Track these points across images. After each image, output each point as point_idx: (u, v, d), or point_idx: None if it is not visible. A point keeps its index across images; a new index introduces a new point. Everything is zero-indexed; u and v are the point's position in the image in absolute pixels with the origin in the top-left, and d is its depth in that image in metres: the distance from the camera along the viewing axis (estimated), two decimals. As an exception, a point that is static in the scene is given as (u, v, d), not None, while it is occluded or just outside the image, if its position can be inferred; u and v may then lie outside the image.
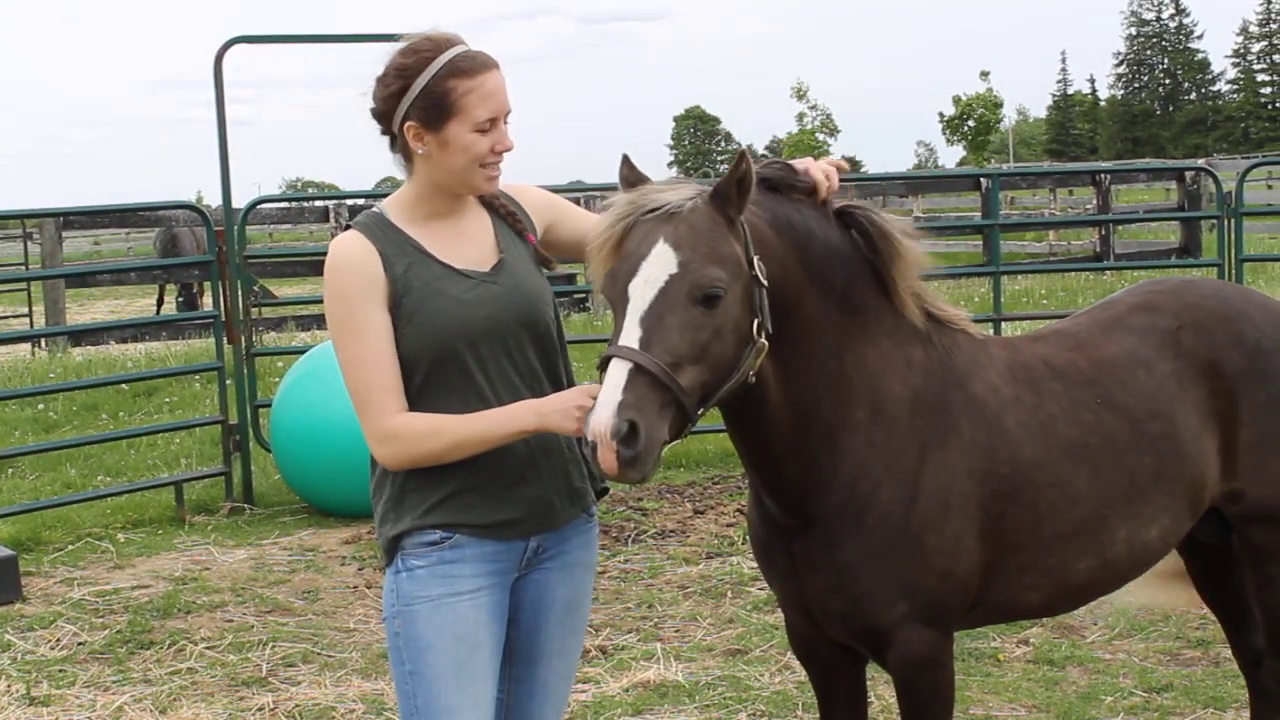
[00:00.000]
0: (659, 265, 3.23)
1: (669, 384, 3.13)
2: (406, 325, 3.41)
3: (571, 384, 3.58)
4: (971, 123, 46.57)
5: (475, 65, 3.40)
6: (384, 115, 3.48)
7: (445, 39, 3.45)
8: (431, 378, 3.43)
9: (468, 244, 3.53)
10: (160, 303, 24.19)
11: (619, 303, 3.27)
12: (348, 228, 3.50)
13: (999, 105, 47.86)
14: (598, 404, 3.12)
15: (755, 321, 3.33)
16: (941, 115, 47.65)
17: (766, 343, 3.36)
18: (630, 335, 3.18)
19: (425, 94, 3.38)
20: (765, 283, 3.36)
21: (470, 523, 3.44)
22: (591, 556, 3.74)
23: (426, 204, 3.51)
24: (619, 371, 3.13)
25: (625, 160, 3.49)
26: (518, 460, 3.46)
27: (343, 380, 3.46)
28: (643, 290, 3.23)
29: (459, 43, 3.46)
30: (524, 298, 3.51)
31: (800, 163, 3.66)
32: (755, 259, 3.35)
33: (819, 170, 3.61)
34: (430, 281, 3.43)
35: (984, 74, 46.90)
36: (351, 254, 3.43)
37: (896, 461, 3.63)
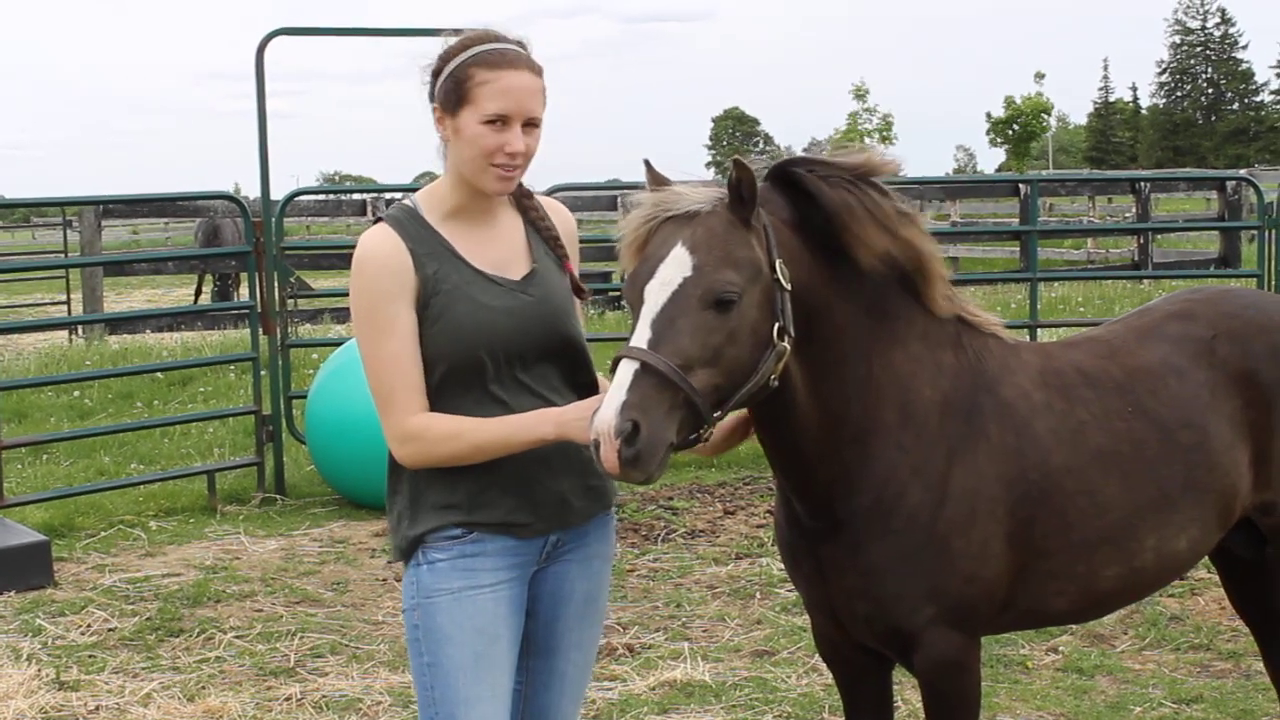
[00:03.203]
0: (674, 268, 3.22)
1: (679, 383, 3.10)
2: (431, 327, 3.40)
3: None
4: (1016, 127, 45.82)
5: (501, 60, 3.37)
6: (428, 94, 3.49)
7: (496, 35, 3.43)
8: (448, 379, 3.42)
9: (499, 249, 3.52)
10: (198, 293, 24.20)
11: (636, 305, 3.26)
12: (378, 220, 3.49)
13: (1049, 112, 47.11)
14: (602, 404, 3.11)
15: (776, 325, 3.30)
16: (989, 115, 46.84)
17: (788, 347, 3.33)
18: (641, 336, 3.17)
19: (450, 77, 3.38)
20: (788, 286, 3.33)
21: (488, 521, 3.44)
22: (608, 548, 3.74)
23: (456, 197, 3.48)
24: (625, 371, 3.12)
25: (648, 166, 3.47)
26: (534, 459, 3.44)
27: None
28: (657, 293, 3.22)
29: (508, 41, 3.43)
30: (551, 310, 3.50)
31: None
32: (778, 262, 3.32)
33: None
34: (460, 285, 3.41)
35: (1039, 76, 46.18)
36: (382, 250, 3.40)
37: (924, 465, 3.61)
